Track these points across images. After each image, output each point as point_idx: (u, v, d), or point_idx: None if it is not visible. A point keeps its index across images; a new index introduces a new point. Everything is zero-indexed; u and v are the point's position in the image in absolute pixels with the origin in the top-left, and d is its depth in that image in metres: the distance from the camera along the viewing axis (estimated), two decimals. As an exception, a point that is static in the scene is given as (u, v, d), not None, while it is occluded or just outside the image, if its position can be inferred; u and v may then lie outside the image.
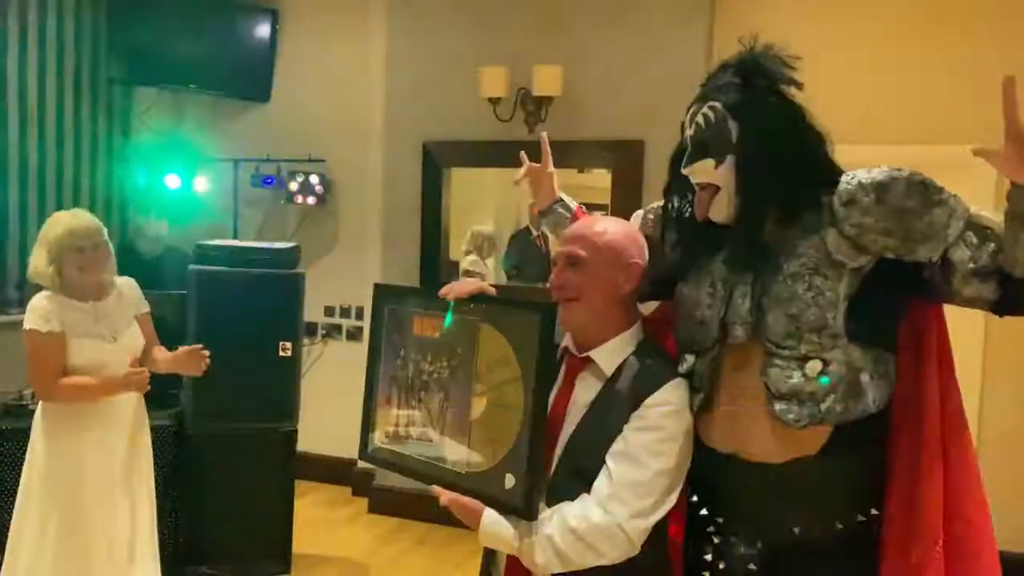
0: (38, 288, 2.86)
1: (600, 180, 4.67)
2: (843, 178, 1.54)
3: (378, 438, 1.86)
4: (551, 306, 1.59)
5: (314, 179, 5.15)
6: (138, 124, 5.62)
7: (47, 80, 4.98)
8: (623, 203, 4.30)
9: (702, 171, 1.61)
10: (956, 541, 1.58)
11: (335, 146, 5.22)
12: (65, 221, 2.84)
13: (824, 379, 1.53)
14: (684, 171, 1.64)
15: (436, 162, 4.77)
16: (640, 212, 1.93)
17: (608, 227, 1.68)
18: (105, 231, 2.90)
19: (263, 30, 5.34)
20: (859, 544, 1.61)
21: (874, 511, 1.62)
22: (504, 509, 1.56)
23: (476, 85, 4.43)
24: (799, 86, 1.60)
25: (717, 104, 1.59)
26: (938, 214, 1.48)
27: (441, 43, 4.72)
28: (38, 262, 2.82)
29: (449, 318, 1.71)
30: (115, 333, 2.90)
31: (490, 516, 1.56)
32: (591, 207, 5.75)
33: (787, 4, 4.18)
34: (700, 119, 1.61)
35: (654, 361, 1.65)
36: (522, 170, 2.15)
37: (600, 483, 1.55)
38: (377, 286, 1.93)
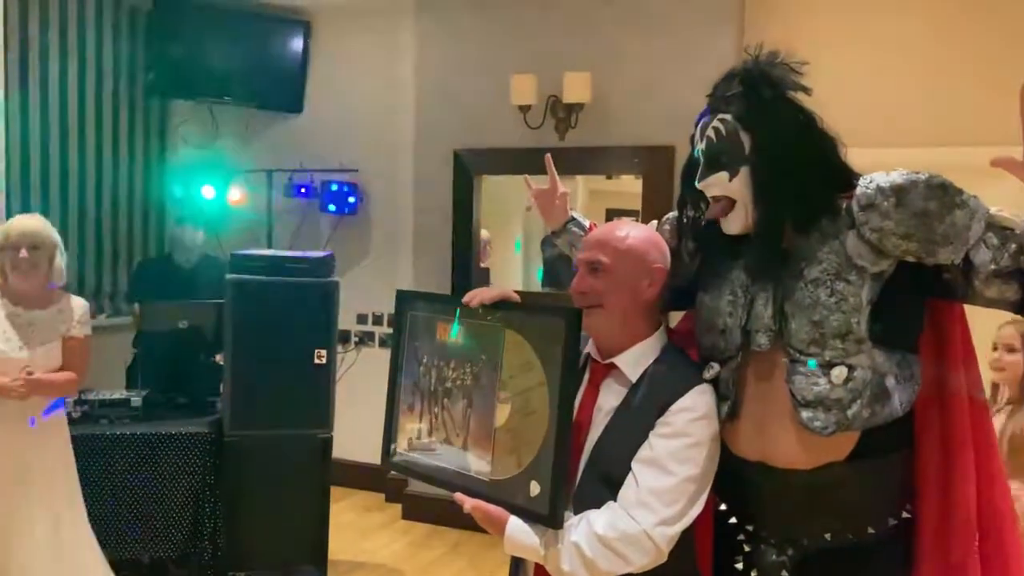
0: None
1: (630, 186, 4.67)
2: (861, 182, 1.53)
3: (401, 445, 1.84)
4: (576, 311, 1.57)
5: (347, 188, 5.20)
6: (174, 136, 5.72)
7: (87, 93, 5.09)
8: (654, 209, 4.29)
9: (716, 184, 1.60)
10: (991, 535, 1.57)
11: (367, 155, 5.28)
12: (12, 221, 2.90)
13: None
14: (699, 185, 1.64)
15: (467, 170, 4.79)
16: (654, 223, 1.93)
17: (630, 232, 1.67)
18: (51, 240, 2.92)
19: (296, 42, 5.42)
20: (892, 548, 1.60)
21: (906, 514, 1.61)
22: (529, 517, 1.55)
23: (506, 93, 4.45)
24: (807, 92, 1.59)
25: (727, 116, 1.58)
26: (959, 216, 1.46)
27: (471, 52, 4.75)
28: None
29: (456, 327, 1.71)
30: (27, 343, 2.91)
31: (515, 524, 1.54)
32: (621, 213, 5.79)
33: (814, 8, 4.17)
34: (711, 132, 1.60)
35: (679, 367, 1.64)
36: (530, 195, 2.12)
37: (626, 490, 1.54)
38: (400, 292, 1.93)
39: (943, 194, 1.46)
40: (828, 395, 1.51)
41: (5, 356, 2.87)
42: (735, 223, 1.60)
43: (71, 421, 3.23)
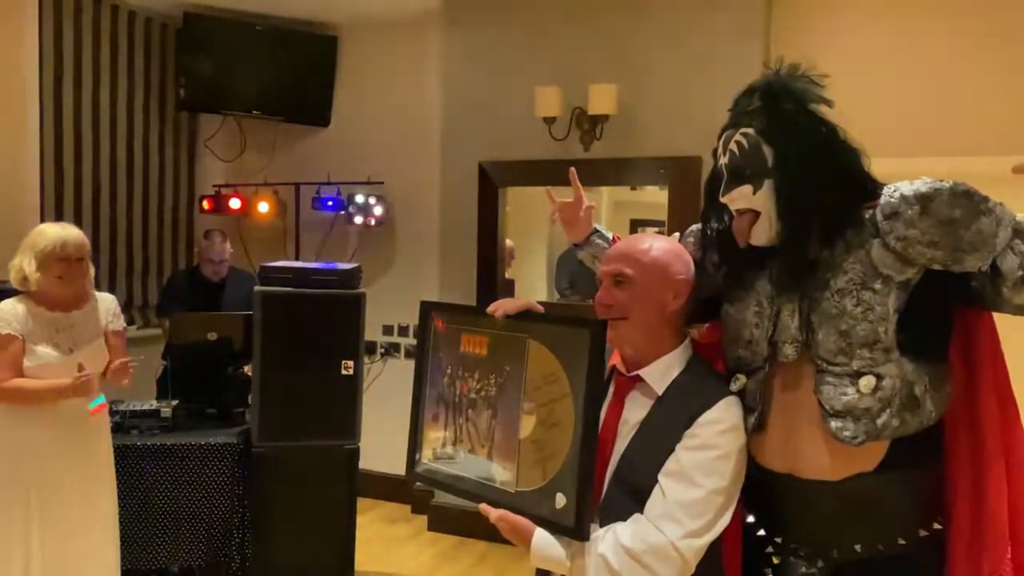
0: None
1: (655, 197, 4.67)
2: (885, 191, 1.53)
3: (426, 456, 1.84)
4: (601, 322, 1.57)
5: (373, 200, 5.25)
6: (203, 149, 5.80)
7: (119, 107, 5.18)
8: (680, 220, 4.28)
9: (740, 198, 1.60)
10: (1021, 545, 1.55)
11: (393, 167, 5.32)
12: (55, 231, 2.97)
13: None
14: (723, 199, 1.64)
15: (492, 181, 4.81)
16: (677, 235, 1.93)
17: (653, 244, 1.66)
18: (88, 244, 3.04)
19: (323, 56, 5.48)
20: (923, 559, 1.58)
21: (937, 525, 1.60)
22: (555, 529, 1.54)
23: (531, 105, 4.46)
24: (829, 104, 1.59)
25: (750, 130, 1.58)
26: (985, 223, 1.45)
27: (496, 64, 4.77)
28: (25, 266, 2.92)
29: (480, 338, 1.71)
30: (72, 345, 2.99)
31: (541, 536, 1.54)
32: (646, 224, 5.78)
33: (840, 21, 4.16)
34: (734, 146, 1.60)
35: (705, 379, 1.64)
36: (553, 208, 2.12)
37: (653, 502, 1.53)
38: (424, 303, 1.93)
39: (968, 201, 1.45)
40: (857, 405, 1.50)
41: (59, 361, 2.94)
42: (760, 235, 1.59)
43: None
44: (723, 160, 1.64)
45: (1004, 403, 1.60)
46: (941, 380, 1.56)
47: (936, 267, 1.50)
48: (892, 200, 1.50)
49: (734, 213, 1.64)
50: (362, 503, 4.53)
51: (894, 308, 1.51)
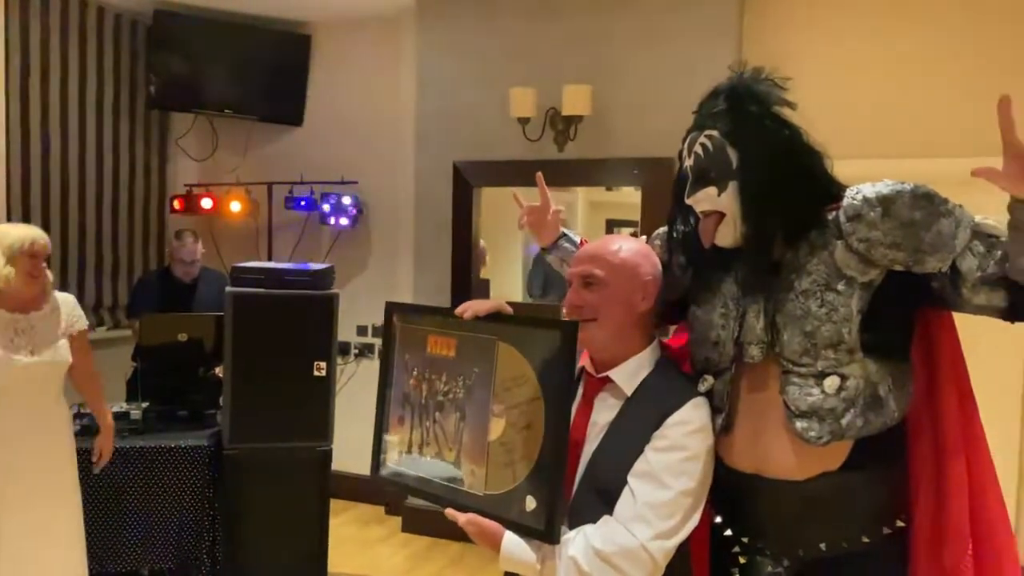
0: None
1: (631, 197, 4.68)
2: (848, 193, 1.55)
3: (391, 459, 1.83)
4: (573, 323, 1.57)
5: (346, 200, 5.21)
6: (174, 148, 5.74)
7: (87, 105, 5.10)
8: (654, 221, 4.30)
9: (705, 199, 1.61)
10: (981, 543, 1.58)
11: (367, 167, 5.29)
12: (22, 229, 2.94)
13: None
14: (688, 201, 1.65)
15: (466, 182, 4.80)
16: (644, 237, 1.94)
17: (622, 246, 1.67)
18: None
19: (296, 55, 5.44)
20: (886, 556, 1.61)
21: (900, 523, 1.62)
22: (525, 532, 1.54)
23: (506, 105, 4.46)
24: (792, 107, 1.61)
25: (714, 133, 1.59)
26: (945, 224, 1.47)
27: (471, 64, 4.76)
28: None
29: (447, 339, 1.70)
30: (34, 347, 2.94)
31: (510, 539, 1.54)
32: (622, 224, 5.79)
33: (812, 23, 4.21)
34: (699, 148, 1.61)
35: (674, 380, 1.65)
36: (522, 211, 2.11)
37: (623, 504, 1.53)
38: (388, 304, 1.90)
39: (929, 204, 1.48)
40: (822, 405, 1.52)
41: (19, 364, 2.89)
42: (725, 237, 1.61)
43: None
44: (688, 162, 1.65)
45: (964, 401, 1.63)
46: (904, 380, 1.59)
47: (898, 268, 1.52)
48: (855, 202, 1.51)
49: (700, 215, 1.65)
50: (336, 504, 4.51)
51: (857, 309, 1.53)
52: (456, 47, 4.82)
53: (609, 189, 5.54)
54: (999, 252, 1.46)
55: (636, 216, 4.56)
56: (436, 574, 4.32)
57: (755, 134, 1.57)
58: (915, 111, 3.98)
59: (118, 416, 3.70)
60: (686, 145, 1.66)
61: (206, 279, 4.72)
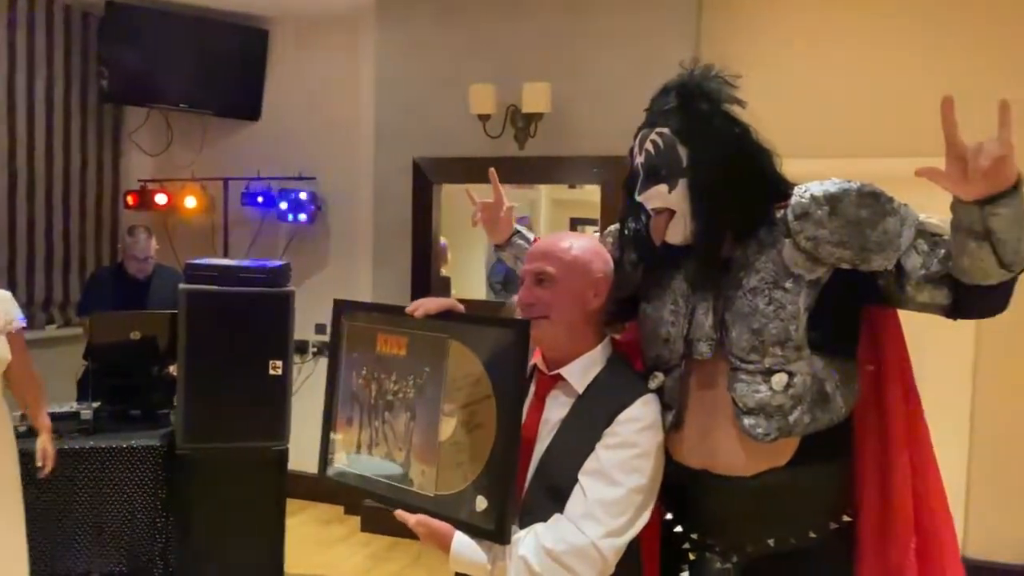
0: None
1: (593, 196, 4.69)
2: (796, 191, 1.56)
3: (339, 460, 1.80)
4: (525, 322, 1.56)
5: (304, 196, 5.15)
6: (128, 143, 5.63)
7: (36, 98, 4.99)
8: (613, 218, 4.29)
9: (656, 197, 1.61)
10: (925, 535, 1.61)
11: (326, 163, 5.24)
12: None
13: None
14: (639, 198, 1.65)
15: (426, 178, 4.77)
16: (597, 233, 1.94)
17: (574, 243, 1.67)
18: None
19: (254, 49, 5.36)
20: (833, 551, 1.62)
21: (846, 518, 1.64)
22: (475, 533, 1.52)
23: (466, 102, 4.44)
24: (742, 105, 1.61)
25: (665, 130, 1.60)
26: (891, 223, 1.49)
27: (430, 60, 4.74)
28: None
29: (398, 338, 1.69)
30: None
31: (460, 540, 1.52)
32: (585, 223, 5.80)
33: (769, 25, 4.25)
34: (649, 146, 1.62)
35: (625, 377, 1.65)
36: (476, 208, 2.10)
37: (574, 502, 1.52)
38: (337, 302, 1.86)
39: (875, 202, 1.50)
40: (769, 402, 1.53)
41: None
42: (675, 234, 1.61)
43: (17, 435, 3.14)
44: (639, 159, 1.65)
45: (908, 397, 1.65)
46: (850, 376, 1.60)
47: (844, 266, 1.53)
48: (803, 200, 1.53)
49: (650, 212, 1.65)
50: (294, 504, 4.47)
51: (805, 306, 1.54)
52: (416, 43, 4.78)
53: (572, 187, 5.56)
54: (942, 251, 1.48)
55: (596, 215, 4.58)
56: (396, 574, 4.29)
57: (705, 132, 1.58)
58: (866, 111, 4.04)
59: (68, 416, 3.63)
60: (637, 142, 1.66)
61: (160, 276, 4.63)
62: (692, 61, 1.66)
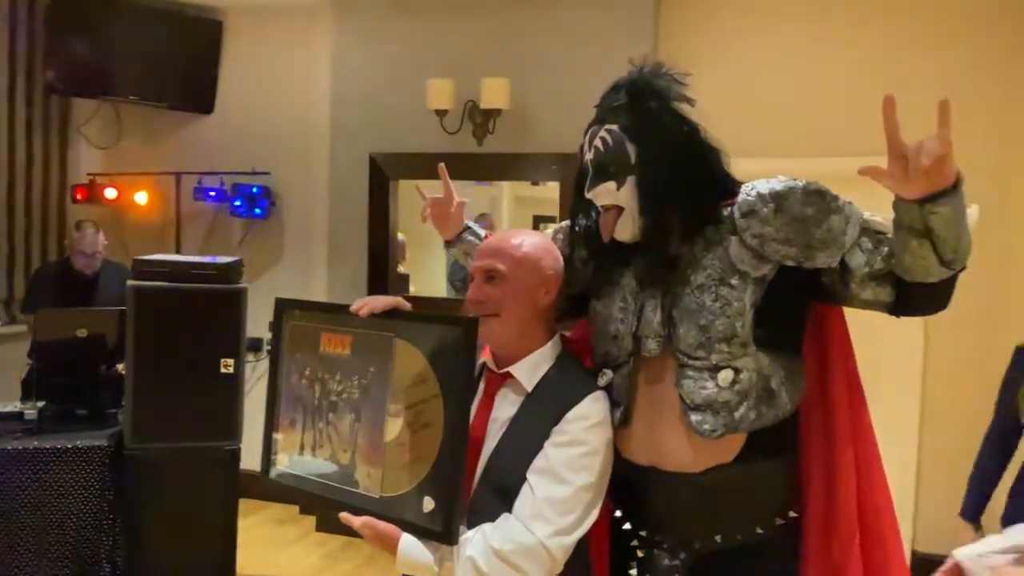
0: None
1: (555, 193, 4.68)
2: (743, 189, 1.57)
3: (282, 462, 1.77)
4: (473, 320, 1.54)
5: (258, 191, 5.07)
6: (76, 136, 5.48)
7: (-21, 90, 4.84)
8: (571, 215, 4.30)
9: (605, 193, 1.61)
10: (868, 532, 1.63)
11: (280, 158, 5.16)
12: None
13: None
14: (588, 195, 1.65)
15: (383, 174, 4.73)
16: (549, 230, 1.93)
17: (524, 240, 1.66)
18: None
19: (207, 41, 5.26)
20: (779, 547, 1.64)
21: (793, 514, 1.65)
22: (423, 534, 1.50)
23: (423, 97, 4.40)
24: (691, 103, 1.62)
25: (614, 127, 1.60)
26: (835, 221, 1.51)
27: (388, 54, 4.69)
28: None
29: (342, 338, 1.66)
30: None
31: (408, 541, 1.50)
32: (548, 220, 5.80)
33: (726, 24, 4.28)
34: (599, 142, 1.61)
35: (574, 375, 1.64)
36: (425, 204, 2.08)
37: (522, 501, 1.51)
38: (279, 300, 1.83)
39: (820, 200, 1.51)
40: (716, 398, 1.54)
41: None
42: (624, 231, 1.61)
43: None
44: (588, 156, 1.65)
45: (853, 394, 1.67)
46: (795, 373, 1.62)
47: (790, 263, 1.54)
48: (749, 198, 1.54)
49: (600, 208, 1.65)
50: (248, 505, 4.39)
51: (751, 303, 1.55)
52: (373, 36, 4.73)
53: (535, 184, 5.54)
54: (886, 248, 1.50)
55: (555, 212, 4.57)
56: (350, 573, 4.25)
57: (654, 129, 1.58)
58: (815, 111, 4.09)
59: (11, 416, 3.53)
60: (587, 139, 1.66)
61: (108, 272, 4.53)
62: (643, 59, 1.65)
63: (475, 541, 1.48)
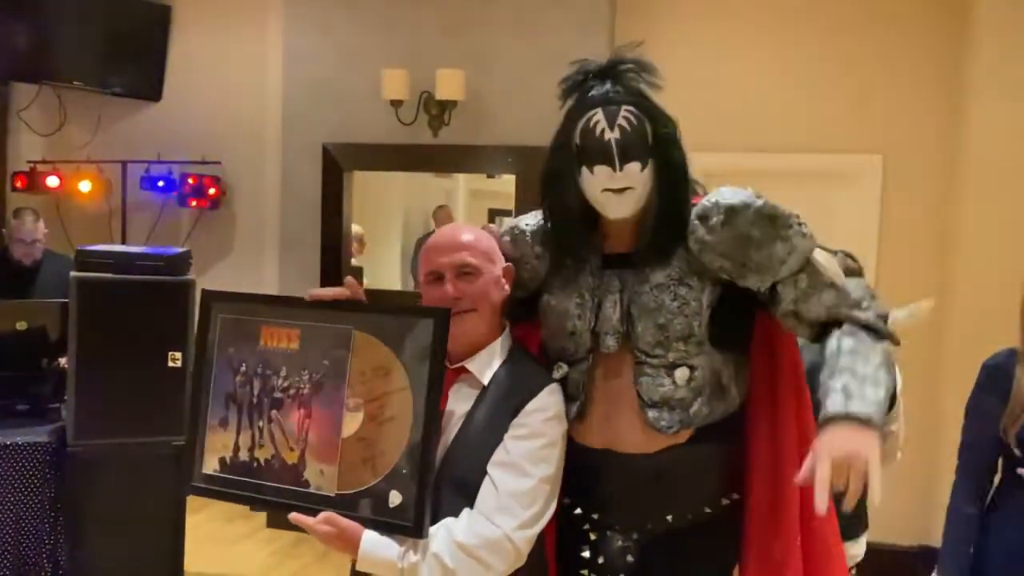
0: None
1: (510, 187, 4.66)
2: (711, 193, 1.58)
3: (210, 466, 1.64)
4: (446, 310, 1.52)
5: (208, 181, 4.97)
6: (16, 121, 5.30)
7: (-88, 73, 4.65)
8: (529, 208, 4.28)
9: (630, 174, 1.56)
10: (812, 531, 1.64)
11: (231, 147, 5.06)
12: None
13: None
14: (618, 174, 1.56)
15: (337, 164, 4.66)
16: (493, 226, 1.91)
17: (476, 233, 1.66)
18: None
19: (154, 26, 5.13)
20: (724, 526, 1.67)
21: (735, 495, 1.68)
22: (389, 529, 1.47)
23: (378, 86, 4.35)
24: (660, 88, 1.62)
25: (634, 108, 1.58)
26: (779, 248, 1.52)
27: (341, 42, 4.63)
28: None
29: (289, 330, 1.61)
30: None
31: (370, 537, 1.47)
32: (503, 213, 5.78)
33: (686, 16, 4.29)
34: (623, 122, 1.56)
35: (528, 368, 1.64)
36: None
37: (485, 495, 1.51)
38: (206, 293, 1.71)
39: (769, 225, 1.52)
40: (673, 396, 1.57)
41: None
42: (625, 208, 1.57)
43: None
44: (613, 135, 1.56)
45: (799, 391, 1.70)
46: (742, 368, 1.66)
47: (723, 276, 1.56)
48: (707, 203, 1.55)
49: (610, 189, 1.58)
50: (197, 502, 4.26)
51: (707, 303, 1.57)
52: (325, 24, 4.66)
53: (491, 177, 5.52)
54: (824, 296, 1.54)
55: (511, 205, 4.55)
56: (300, 570, 4.20)
57: (661, 114, 1.59)
58: (795, 106, 4.12)
59: (-53, 412, 3.40)
60: (604, 118, 1.57)
61: (49, 263, 4.40)
62: (632, 45, 1.64)
63: (439, 537, 1.47)
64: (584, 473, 1.66)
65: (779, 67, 4.16)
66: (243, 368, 1.62)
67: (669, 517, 1.63)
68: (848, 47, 4.07)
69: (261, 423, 1.59)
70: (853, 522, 2.48)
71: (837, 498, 1.35)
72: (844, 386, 1.42)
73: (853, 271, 1.73)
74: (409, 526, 1.46)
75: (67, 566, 3.41)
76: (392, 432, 1.49)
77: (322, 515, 1.48)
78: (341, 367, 1.54)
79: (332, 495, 1.52)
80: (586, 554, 1.69)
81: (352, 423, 1.52)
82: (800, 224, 1.54)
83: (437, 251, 1.63)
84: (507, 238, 1.77)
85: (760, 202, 1.52)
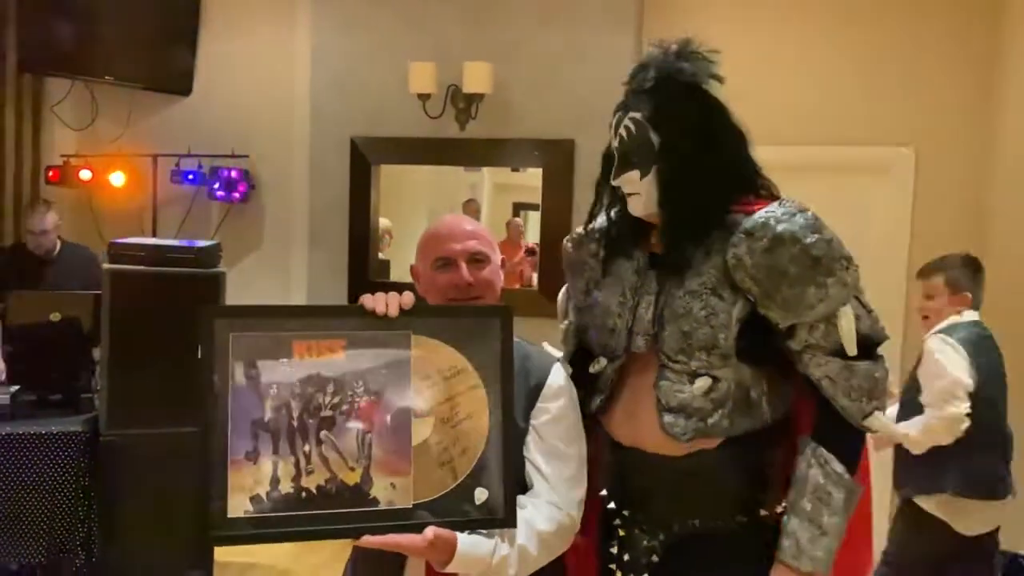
0: None
1: (536, 180, 4.66)
2: (769, 206, 1.54)
3: (241, 507, 1.40)
4: (507, 308, 1.53)
5: (237, 175, 5.00)
6: (49, 116, 5.38)
7: (-51, 67, 4.72)
8: (555, 203, 4.30)
9: (629, 182, 1.62)
10: (845, 546, 1.60)
11: (259, 141, 5.09)
12: None
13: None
14: (614, 182, 1.65)
15: (364, 158, 4.68)
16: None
17: (475, 223, 1.72)
18: None
19: (185, 21, 5.17)
20: (757, 537, 1.62)
21: (779, 509, 1.63)
22: (480, 526, 1.46)
23: (405, 80, 4.36)
24: (720, 80, 1.61)
25: (638, 115, 1.59)
26: (811, 292, 1.49)
27: (369, 36, 4.64)
28: None
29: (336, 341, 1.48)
30: None
31: (465, 539, 1.45)
32: (527, 207, 5.75)
33: (714, 9, 4.25)
34: (623, 131, 1.61)
35: (530, 348, 1.67)
36: None
37: (537, 483, 1.57)
38: (207, 310, 1.49)
39: (811, 266, 1.49)
40: (690, 403, 1.55)
41: None
42: (636, 208, 1.63)
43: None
44: (614, 143, 1.64)
45: None
46: (777, 384, 1.62)
47: (750, 297, 1.54)
48: (758, 219, 1.52)
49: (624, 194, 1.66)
50: (224, 491, 4.34)
51: (737, 317, 1.54)
52: (354, 17, 4.68)
53: (516, 170, 5.51)
54: (828, 365, 1.53)
55: (537, 199, 4.55)
56: (324, 563, 4.22)
57: (677, 119, 1.57)
58: (832, 98, 4.08)
59: (-18, 402, 3.46)
60: (614, 124, 1.65)
61: (67, 253, 4.46)
62: (667, 39, 1.64)
63: (521, 529, 1.50)
64: (617, 469, 1.69)
65: (808, 60, 4.12)
66: (273, 390, 1.43)
67: (696, 521, 1.62)
68: (879, 38, 4.03)
69: (307, 447, 1.43)
70: None
71: None
72: (799, 537, 1.52)
73: (876, 341, 1.65)
74: (502, 518, 1.47)
75: (100, 553, 3.47)
76: (470, 431, 1.47)
77: (430, 528, 1.41)
78: (403, 374, 1.46)
79: (408, 506, 1.44)
80: (614, 549, 1.70)
81: (423, 429, 1.46)
82: (846, 270, 1.50)
83: (448, 238, 1.65)
84: (569, 244, 1.81)
85: (811, 239, 1.48)
